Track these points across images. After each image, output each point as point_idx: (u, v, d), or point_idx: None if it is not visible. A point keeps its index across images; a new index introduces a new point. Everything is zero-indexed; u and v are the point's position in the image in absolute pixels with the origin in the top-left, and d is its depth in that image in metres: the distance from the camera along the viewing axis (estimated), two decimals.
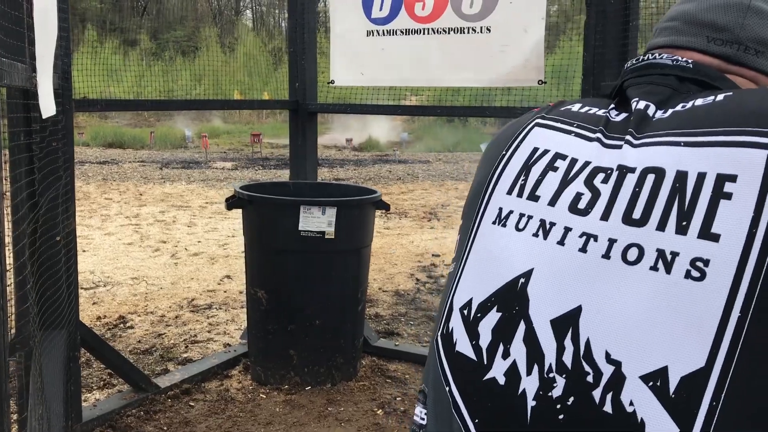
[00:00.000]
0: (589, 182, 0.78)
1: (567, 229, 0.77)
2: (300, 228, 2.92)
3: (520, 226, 0.81)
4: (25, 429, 2.05)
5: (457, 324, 0.83)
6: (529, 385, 0.74)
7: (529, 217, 0.81)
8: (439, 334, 0.86)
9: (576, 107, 0.89)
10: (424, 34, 3.11)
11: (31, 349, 2.15)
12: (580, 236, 0.76)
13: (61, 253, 2.27)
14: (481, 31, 2.98)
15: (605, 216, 0.75)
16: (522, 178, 0.84)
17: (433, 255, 5.81)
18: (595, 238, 0.74)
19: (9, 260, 2.06)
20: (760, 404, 0.63)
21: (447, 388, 0.81)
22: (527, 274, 0.78)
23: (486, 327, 0.80)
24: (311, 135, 3.61)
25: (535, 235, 0.79)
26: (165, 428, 2.68)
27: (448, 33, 3.05)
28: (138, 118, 22.57)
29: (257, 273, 3.11)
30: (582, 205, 0.77)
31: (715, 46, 0.86)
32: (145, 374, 2.95)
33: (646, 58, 0.89)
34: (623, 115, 0.83)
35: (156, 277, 4.98)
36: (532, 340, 0.75)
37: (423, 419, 0.88)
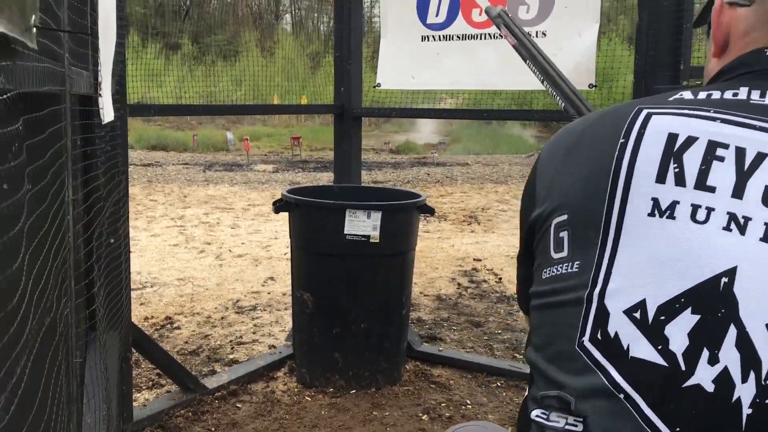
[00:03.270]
0: None
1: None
2: (345, 232, 2.94)
3: (699, 218, 0.75)
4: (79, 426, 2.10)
5: (624, 328, 0.77)
6: (745, 392, 0.71)
7: (709, 209, 0.75)
8: (586, 339, 0.79)
9: (688, 95, 0.85)
10: (480, 39, 3.12)
11: (93, 349, 2.20)
12: None
13: (121, 255, 2.32)
14: (537, 36, 2.99)
15: None
16: (673, 166, 0.78)
17: (474, 260, 5.78)
18: None
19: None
20: None
21: (621, 396, 0.76)
22: (730, 273, 0.73)
23: (677, 330, 0.74)
24: (355, 139, 3.63)
25: (727, 229, 0.74)
26: (213, 429, 2.72)
27: (504, 38, 3.05)
28: (180, 121, 22.95)
29: (303, 276, 3.13)
30: None
31: None
32: (193, 375, 3.00)
33: None
34: None
35: (201, 278, 5.06)
36: (746, 345, 0.71)
37: (575, 425, 0.79)
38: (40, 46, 0.97)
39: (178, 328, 3.97)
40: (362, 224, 2.94)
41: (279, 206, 3.11)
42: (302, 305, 3.12)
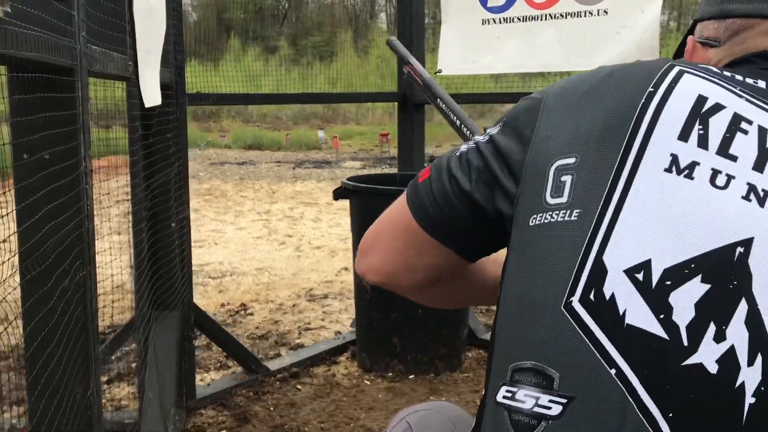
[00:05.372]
0: None
1: None
2: None
3: (719, 183, 0.69)
4: (141, 400, 2.22)
5: (623, 290, 0.68)
6: (749, 378, 0.64)
7: (729, 177, 0.69)
8: (576, 299, 0.70)
9: (714, 68, 0.81)
10: (540, 20, 3.07)
11: (147, 328, 2.32)
12: None
13: (174, 237, 2.44)
14: (598, 14, 2.91)
15: None
16: (698, 127, 0.73)
17: None
18: None
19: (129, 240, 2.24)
20: None
21: (613, 371, 0.66)
22: (746, 244, 0.66)
23: (684, 299, 0.66)
24: (418, 127, 3.63)
25: (746, 198, 0.68)
26: (272, 408, 2.80)
27: (565, 18, 3.01)
28: (277, 122, 23.67)
29: None
30: None
31: None
32: (256, 357, 3.09)
33: None
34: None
35: (279, 268, 5.21)
36: (756, 324, 0.65)
37: (548, 408, 0.69)
38: (38, 20, 1.03)
39: (251, 314, 4.10)
40: None
41: (339, 193, 3.16)
42: (362, 291, 3.16)
